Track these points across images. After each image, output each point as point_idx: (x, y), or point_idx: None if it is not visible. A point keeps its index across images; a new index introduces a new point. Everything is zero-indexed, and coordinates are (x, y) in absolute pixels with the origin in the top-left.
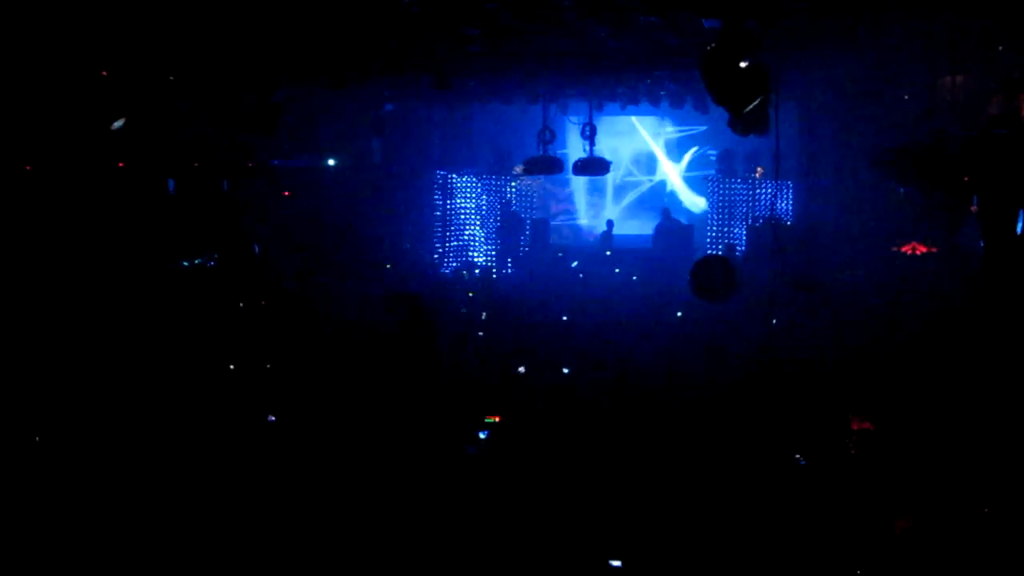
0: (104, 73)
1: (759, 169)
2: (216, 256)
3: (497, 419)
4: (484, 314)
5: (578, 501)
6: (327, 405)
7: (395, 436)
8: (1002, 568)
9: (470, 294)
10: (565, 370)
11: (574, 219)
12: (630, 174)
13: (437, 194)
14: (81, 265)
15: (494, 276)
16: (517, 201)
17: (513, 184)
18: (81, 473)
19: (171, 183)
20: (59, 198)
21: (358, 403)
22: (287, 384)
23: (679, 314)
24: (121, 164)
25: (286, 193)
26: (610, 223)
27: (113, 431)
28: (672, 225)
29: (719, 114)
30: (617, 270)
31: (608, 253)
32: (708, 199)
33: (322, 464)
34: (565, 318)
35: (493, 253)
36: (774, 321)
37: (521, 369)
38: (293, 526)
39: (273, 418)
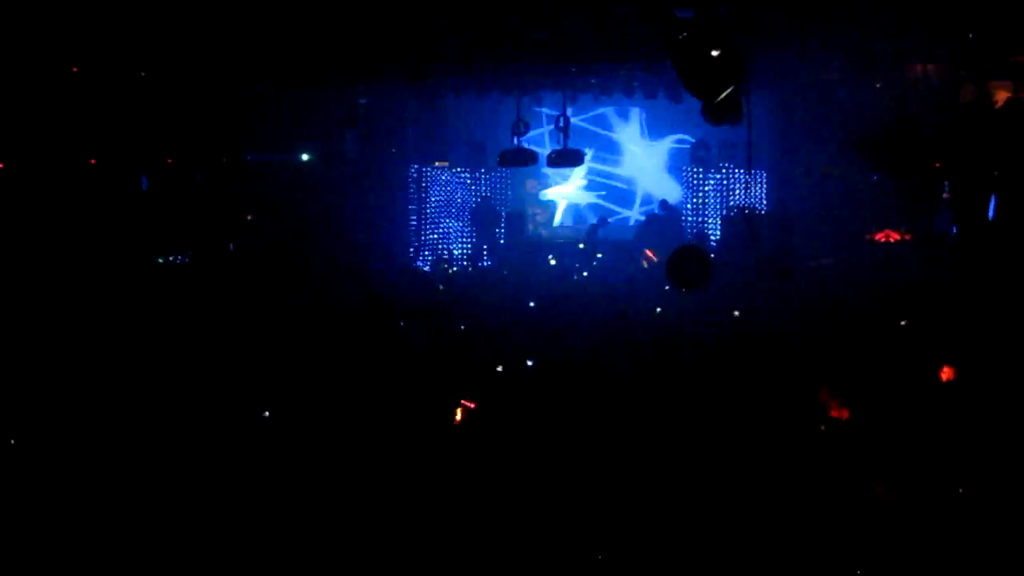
0: (75, 69)
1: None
2: (190, 252)
3: (472, 406)
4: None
5: (556, 493)
6: (306, 399)
7: (377, 426)
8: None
9: (440, 287)
10: (529, 362)
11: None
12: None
13: (412, 187)
14: (54, 263)
15: (469, 269)
16: (492, 194)
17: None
18: (62, 469)
19: (144, 179)
20: (31, 195)
21: (337, 396)
22: (265, 378)
23: (658, 309)
24: (93, 160)
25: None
26: (602, 219)
27: (89, 427)
28: (664, 216)
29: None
30: (600, 255)
31: (581, 246)
32: (682, 189)
33: (309, 456)
34: (532, 304)
35: (469, 246)
36: (736, 313)
37: (529, 363)
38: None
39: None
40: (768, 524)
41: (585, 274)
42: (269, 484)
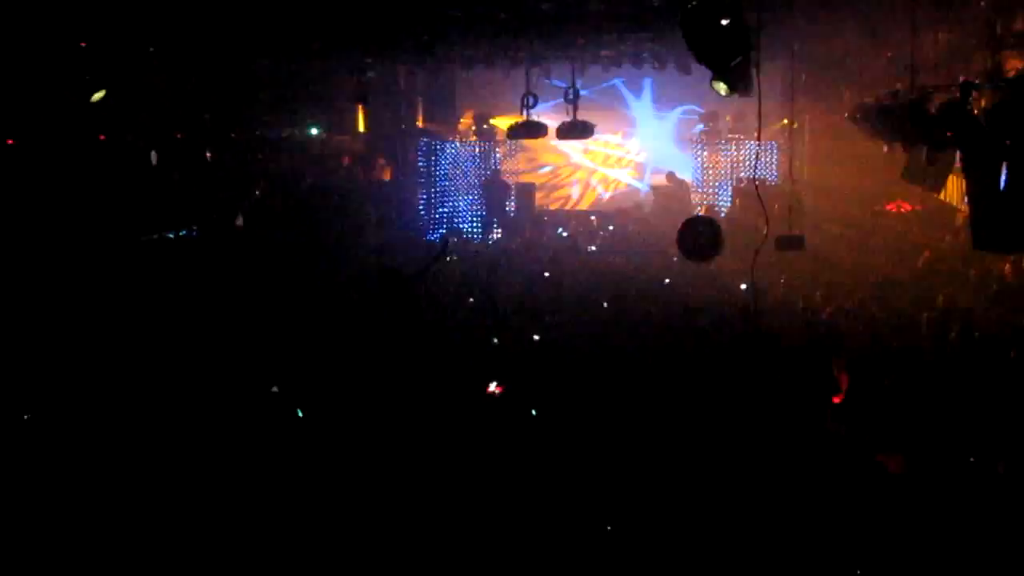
0: (83, 44)
1: None
2: (199, 227)
3: (499, 390)
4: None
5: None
6: (320, 378)
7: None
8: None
9: (452, 258)
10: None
11: None
12: None
13: (421, 161)
14: (65, 238)
15: (476, 241)
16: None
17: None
18: (63, 448)
19: (154, 154)
20: (42, 171)
21: (353, 376)
22: (275, 355)
23: (666, 280)
24: (103, 136)
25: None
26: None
27: (99, 406)
28: (671, 188)
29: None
30: (611, 226)
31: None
32: (693, 160)
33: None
34: (548, 274)
35: (479, 220)
36: (743, 286)
37: (536, 337)
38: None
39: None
40: (779, 502)
41: (593, 248)
42: (283, 466)
